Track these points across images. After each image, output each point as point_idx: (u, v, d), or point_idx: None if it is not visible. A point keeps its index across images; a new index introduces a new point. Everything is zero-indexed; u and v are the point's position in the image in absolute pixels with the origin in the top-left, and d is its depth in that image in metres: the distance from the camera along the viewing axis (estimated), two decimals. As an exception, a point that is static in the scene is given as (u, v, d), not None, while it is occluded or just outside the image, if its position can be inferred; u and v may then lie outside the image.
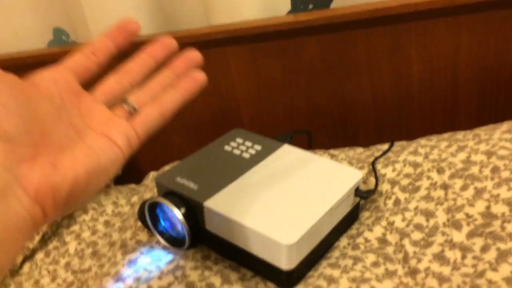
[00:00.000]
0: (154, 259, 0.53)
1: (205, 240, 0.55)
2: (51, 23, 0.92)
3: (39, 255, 0.69)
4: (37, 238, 0.69)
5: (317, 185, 0.54)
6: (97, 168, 0.29)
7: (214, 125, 0.90)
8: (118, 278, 0.50)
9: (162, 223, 0.55)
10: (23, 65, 0.88)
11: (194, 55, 0.38)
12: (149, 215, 0.55)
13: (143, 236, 0.59)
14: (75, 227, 0.74)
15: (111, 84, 0.35)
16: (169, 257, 0.53)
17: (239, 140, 0.63)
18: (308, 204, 0.51)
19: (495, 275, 0.42)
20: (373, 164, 0.63)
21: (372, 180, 0.62)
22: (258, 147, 0.61)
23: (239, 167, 0.57)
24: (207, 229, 0.53)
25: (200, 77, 0.37)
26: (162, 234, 0.56)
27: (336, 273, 0.49)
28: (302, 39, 0.80)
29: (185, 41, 0.83)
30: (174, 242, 0.55)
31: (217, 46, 0.83)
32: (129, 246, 0.57)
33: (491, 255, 0.44)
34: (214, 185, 0.54)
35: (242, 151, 0.61)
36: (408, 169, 0.60)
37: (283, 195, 0.52)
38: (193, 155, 0.61)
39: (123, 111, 0.34)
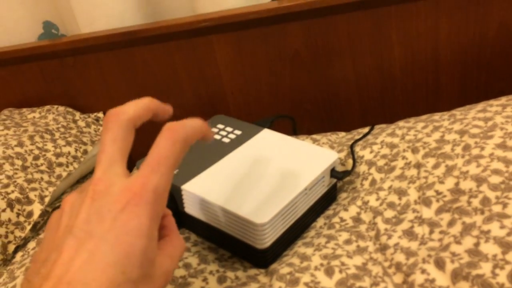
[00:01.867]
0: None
1: (185, 223, 0.56)
2: (40, 17, 0.93)
3: (31, 244, 0.71)
4: (28, 227, 0.71)
5: (293, 167, 0.55)
6: None
7: (202, 114, 0.92)
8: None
9: (144, 207, 0.57)
10: (13, 59, 0.89)
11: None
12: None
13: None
14: (66, 215, 0.75)
15: None
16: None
17: (220, 126, 0.64)
18: (282, 185, 0.52)
19: (459, 247, 0.43)
20: (351, 146, 0.64)
21: (351, 162, 0.63)
22: (238, 132, 0.62)
23: (219, 151, 0.59)
24: (186, 212, 0.54)
25: None
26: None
27: (309, 251, 0.50)
28: (285, 25, 0.81)
29: (172, 30, 0.85)
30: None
31: (203, 34, 0.84)
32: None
33: (457, 229, 0.45)
34: (192, 169, 0.55)
35: (222, 136, 0.62)
36: (385, 150, 0.61)
37: (259, 177, 0.54)
38: (173, 141, 0.62)
39: None
